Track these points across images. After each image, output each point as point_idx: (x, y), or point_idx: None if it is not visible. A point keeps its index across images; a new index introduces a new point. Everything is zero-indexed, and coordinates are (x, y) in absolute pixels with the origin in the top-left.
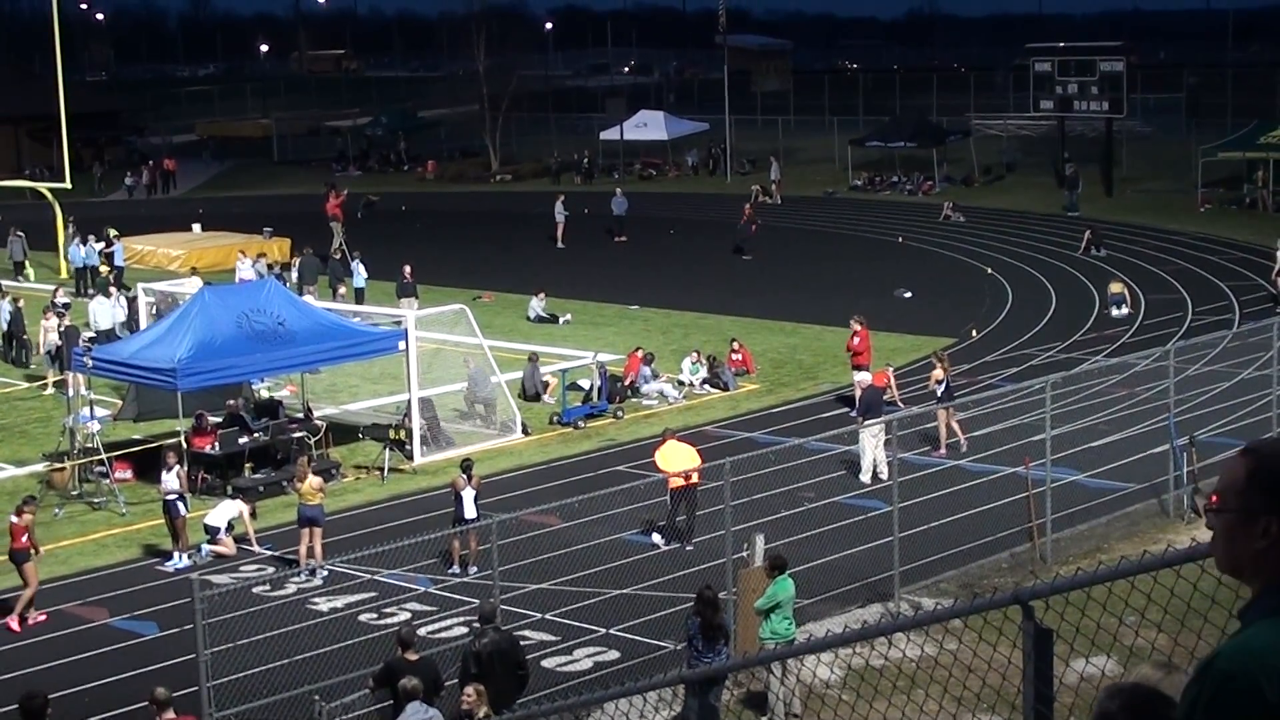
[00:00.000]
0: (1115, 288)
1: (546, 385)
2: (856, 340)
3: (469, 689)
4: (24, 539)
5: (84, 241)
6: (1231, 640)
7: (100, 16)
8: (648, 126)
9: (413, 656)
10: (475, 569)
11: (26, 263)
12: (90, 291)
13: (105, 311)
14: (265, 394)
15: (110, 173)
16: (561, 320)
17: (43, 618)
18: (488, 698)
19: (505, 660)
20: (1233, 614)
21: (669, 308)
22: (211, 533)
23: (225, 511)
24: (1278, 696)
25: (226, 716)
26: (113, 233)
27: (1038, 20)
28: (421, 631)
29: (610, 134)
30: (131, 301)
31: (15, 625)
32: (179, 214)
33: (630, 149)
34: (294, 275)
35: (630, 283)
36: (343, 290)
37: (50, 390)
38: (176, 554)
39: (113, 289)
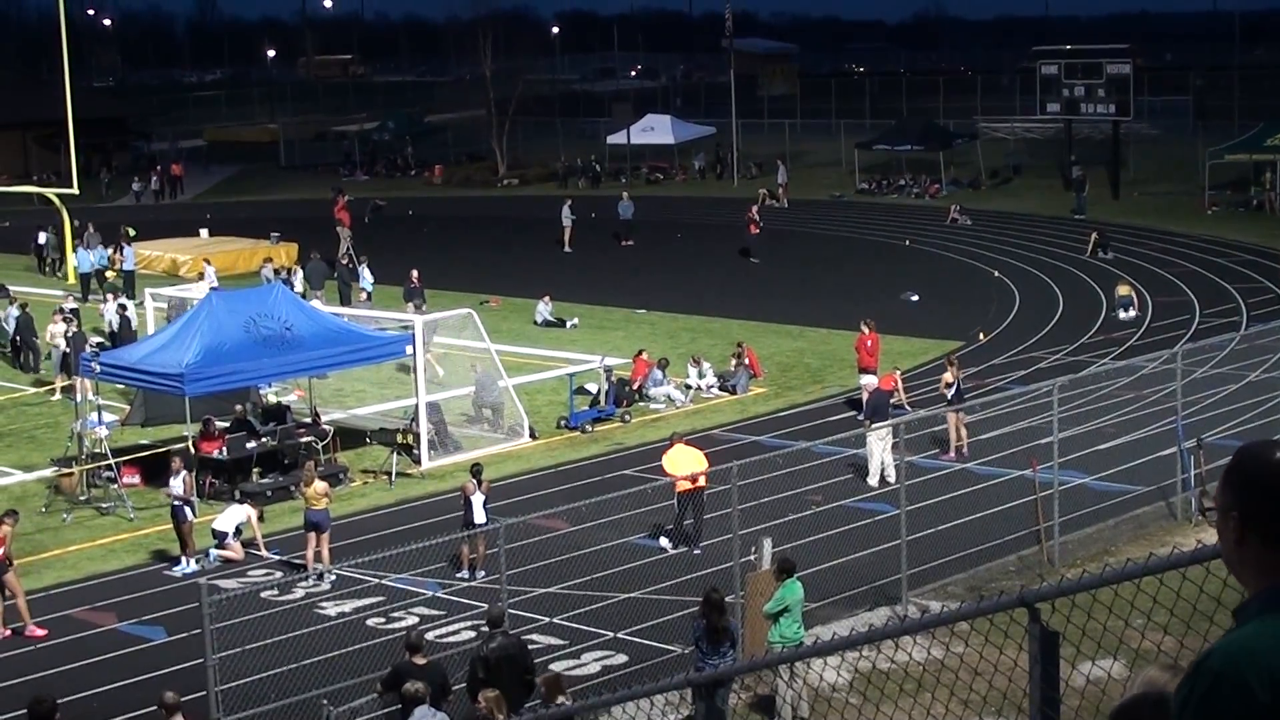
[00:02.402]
0: (1123, 290)
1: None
2: (869, 343)
3: (483, 695)
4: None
5: (89, 247)
6: (1223, 639)
7: (107, 22)
8: (654, 130)
9: (420, 660)
10: (483, 573)
11: (63, 258)
12: (98, 296)
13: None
14: (273, 399)
15: (118, 178)
16: (569, 324)
17: (8, 634)
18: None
19: (513, 665)
20: None
21: (676, 311)
22: (219, 538)
23: (233, 516)
24: (1268, 696)
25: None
26: (131, 232)
27: (1044, 23)
28: (430, 636)
29: (617, 138)
30: (122, 310)
31: (39, 630)
32: (187, 219)
33: (637, 153)
34: (296, 281)
35: (637, 286)
36: (365, 295)
37: (58, 395)
38: (184, 559)
39: (110, 295)
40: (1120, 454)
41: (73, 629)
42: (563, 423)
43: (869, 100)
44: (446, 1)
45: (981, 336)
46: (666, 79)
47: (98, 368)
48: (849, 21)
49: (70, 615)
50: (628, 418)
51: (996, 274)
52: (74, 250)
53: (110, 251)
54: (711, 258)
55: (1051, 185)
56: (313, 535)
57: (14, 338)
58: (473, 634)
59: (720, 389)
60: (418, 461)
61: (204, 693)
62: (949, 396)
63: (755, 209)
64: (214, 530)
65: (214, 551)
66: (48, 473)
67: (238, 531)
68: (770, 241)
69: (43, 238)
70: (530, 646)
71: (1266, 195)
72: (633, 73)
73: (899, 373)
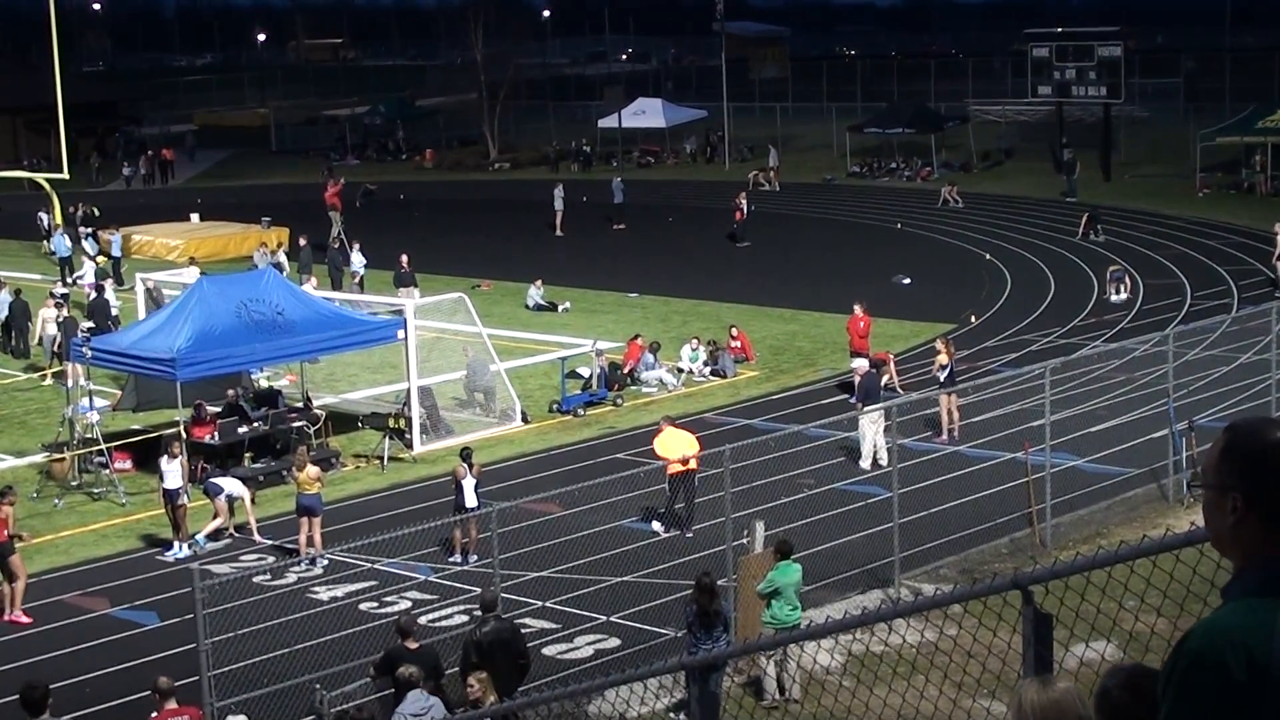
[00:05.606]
0: (1113, 269)
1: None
2: (862, 324)
3: (473, 678)
4: (3, 532)
5: (70, 229)
6: (1204, 618)
7: (97, 6)
8: (646, 114)
9: (413, 645)
10: (475, 557)
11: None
12: (89, 281)
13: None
14: (264, 383)
15: (108, 163)
16: (560, 308)
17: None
18: (491, 686)
19: (507, 649)
20: None
21: (668, 295)
22: (212, 490)
23: (233, 484)
24: (1244, 674)
25: (227, 705)
26: (95, 212)
27: (1035, 5)
28: (422, 620)
29: (608, 122)
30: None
31: (24, 618)
32: (177, 204)
33: (628, 136)
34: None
35: (629, 270)
36: (357, 280)
37: (49, 381)
38: (177, 544)
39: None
40: (1112, 436)
41: (65, 614)
42: (555, 407)
43: (860, 83)
44: None
45: (973, 319)
46: (658, 62)
47: (89, 353)
48: (840, 5)
49: (63, 600)
50: (620, 401)
51: (988, 257)
52: (48, 237)
53: (89, 230)
54: (703, 241)
55: (1043, 168)
56: (305, 520)
57: (4, 321)
58: (465, 618)
59: (712, 373)
60: (410, 446)
61: (197, 678)
62: (941, 379)
63: (744, 196)
64: (210, 483)
65: (201, 537)
66: (39, 458)
67: (231, 500)
68: (762, 225)
69: (44, 219)
70: (523, 630)
71: (1257, 177)
72: (624, 56)
73: (892, 356)
